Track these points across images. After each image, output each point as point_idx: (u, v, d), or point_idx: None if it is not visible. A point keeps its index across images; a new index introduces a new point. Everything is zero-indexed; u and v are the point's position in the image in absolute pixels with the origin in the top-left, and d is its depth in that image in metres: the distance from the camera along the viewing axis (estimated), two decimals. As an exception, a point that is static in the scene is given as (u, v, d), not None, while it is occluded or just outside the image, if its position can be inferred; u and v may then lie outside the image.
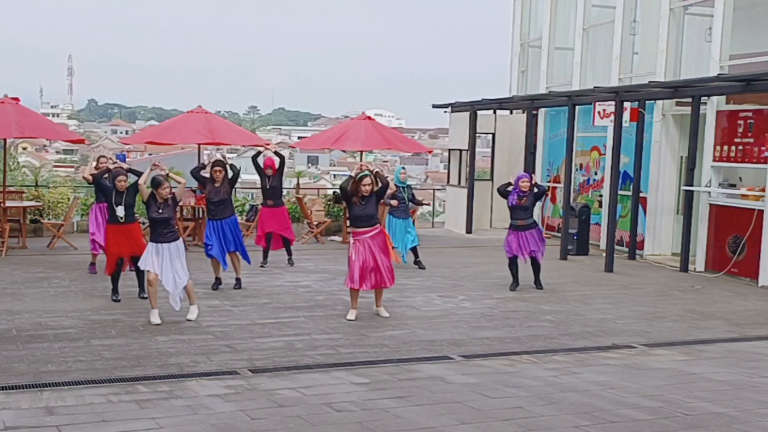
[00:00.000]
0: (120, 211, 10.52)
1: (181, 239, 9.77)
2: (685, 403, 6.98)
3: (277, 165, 13.83)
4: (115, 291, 10.70)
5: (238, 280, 11.88)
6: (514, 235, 12.28)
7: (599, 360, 8.54)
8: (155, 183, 9.71)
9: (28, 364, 7.71)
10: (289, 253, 14.30)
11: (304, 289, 12.04)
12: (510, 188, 12.42)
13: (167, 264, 9.41)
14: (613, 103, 15.40)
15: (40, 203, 16.90)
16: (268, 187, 13.88)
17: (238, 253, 11.80)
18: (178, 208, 11.12)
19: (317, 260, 14.97)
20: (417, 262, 14.36)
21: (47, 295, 10.97)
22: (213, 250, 11.53)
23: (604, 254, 15.53)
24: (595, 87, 16.44)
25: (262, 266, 13.81)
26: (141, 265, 9.74)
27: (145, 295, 10.47)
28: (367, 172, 10.05)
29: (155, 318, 9.46)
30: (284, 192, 15.79)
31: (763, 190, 13.70)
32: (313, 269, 13.86)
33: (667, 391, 7.32)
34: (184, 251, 9.71)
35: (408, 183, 14.65)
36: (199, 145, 17.65)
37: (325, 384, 7.31)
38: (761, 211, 13.65)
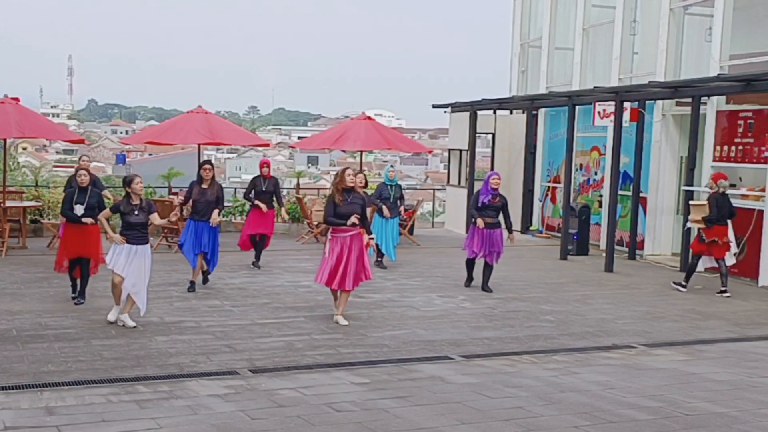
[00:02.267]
0: (79, 209, 10.29)
1: (149, 244, 9.55)
2: (685, 403, 6.98)
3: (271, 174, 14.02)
4: (74, 290, 10.57)
5: (204, 272, 11.75)
6: (479, 233, 12.03)
7: (599, 360, 8.54)
8: (127, 180, 9.58)
9: (28, 364, 7.71)
10: (259, 258, 13.96)
11: (304, 289, 12.05)
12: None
13: (134, 266, 9.20)
14: (613, 103, 15.39)
15: (40, 203, 16.91)
16: (264, 189, 13.87)
17: (206, 254, 11.67)
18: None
19: (317, 260, 14.88)
20: (377, 262, 14.28)
21: (47, 295, 10.96)
22: (184, 248, 11.47)
23: (604, 254, 15.53)
24: (595, 87, 16.44)
25: (257, 267, 13.78)
26: (109, 264, 9.28)
27: (82, 301, 10.39)
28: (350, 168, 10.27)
29: (113, 315, 9.32)
30: (284, 192, 15.79)
31: (763, 190, 13.70)
32: (313, 269, 13.71)
33: (667, 391, 7.32)
34: (151, 257, 9.52)
35: (397, 182, 14.63)
36: (199, 145, 17.68)
37: (325, 384, 7.31)
38: (761, 212, 13.66)
